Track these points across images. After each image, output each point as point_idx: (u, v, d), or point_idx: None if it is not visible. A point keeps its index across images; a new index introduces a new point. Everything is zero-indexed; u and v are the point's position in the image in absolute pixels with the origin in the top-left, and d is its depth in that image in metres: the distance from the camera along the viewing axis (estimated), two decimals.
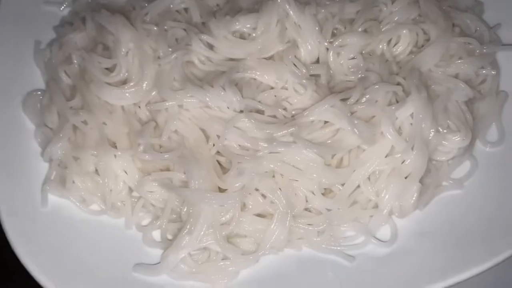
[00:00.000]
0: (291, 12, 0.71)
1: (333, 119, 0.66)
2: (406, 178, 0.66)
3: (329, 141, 0.67)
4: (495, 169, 0.70)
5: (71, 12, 0.84)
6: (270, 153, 0.65)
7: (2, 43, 0.79)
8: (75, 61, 0.75)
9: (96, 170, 0.69)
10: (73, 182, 0.68)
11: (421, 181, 0.67)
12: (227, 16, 0.73)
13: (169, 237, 0.66)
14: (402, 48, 0.74)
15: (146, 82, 0.71)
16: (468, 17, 0.78)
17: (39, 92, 0.76)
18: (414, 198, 0.66)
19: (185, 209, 0.65)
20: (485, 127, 0.73)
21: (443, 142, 0.68)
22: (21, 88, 0.76)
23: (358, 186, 0.67)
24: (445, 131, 0.68)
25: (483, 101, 0.74)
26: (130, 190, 0.69)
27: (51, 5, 0.84)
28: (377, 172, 0.67)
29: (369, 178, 0.67)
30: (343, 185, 0.67)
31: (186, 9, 0.78)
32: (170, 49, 0.71)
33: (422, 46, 0.75)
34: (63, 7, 0.84)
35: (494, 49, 0.75)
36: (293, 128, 0.65)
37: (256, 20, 0.72)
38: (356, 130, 0.65)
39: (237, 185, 0.64)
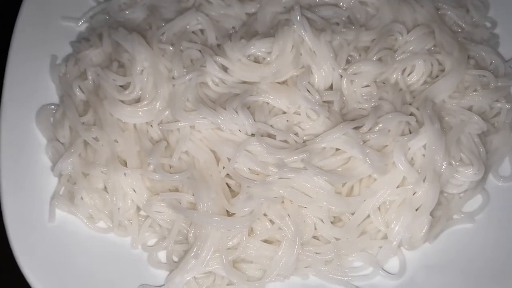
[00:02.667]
0: (306, 38, 0.72)
1: (345, 147, 0.66)
2: (417, 210, 0.65)
3: (340, 169, 0.67)
4: (507, 204, 0.69)
5: (89, 28, 0.85)
6: (280, 178, 0.65)
7: (19, 56, 0.80)
8: (90, 77, 0.75)
9: (105, 187, 0.69)
10: (82, 198, 0.68)
11: (431, 213, 0.66)
12: (243, 40, 0.73)
13: (175, 259, 0.66)
14: (416, 78, 0.74)
15: (159, 102, 0.71)
16: (484, 50, 0.78)
17: (53, 106, 0.76)
18: (424, 231, 0.65)
19: (192, 232, 0.64)
20: (498, 161, 0.72)
21: (455, 175, 0.68)
22: (35, 101, 0.77)
23: (368, 216, 0.66)
24: (457, 163, 0.68)
25: (496, 134, 0.73)
26: (138, 209, 0.69)
27: (68, 20, 0.85)
28: (387, 203, 0.66)
29: (379, 208, 0.66)
30: (352, 214, 0.66)
31: (202, 31, 0.78)
32: (184, 70, 0.72)
33: (437, 76, 0.75)
34: (80, 22, 0.85)
35: (509, 83, 0.75)
36: (304, 154, 0.65)
37: (271, 45, 0.72)
38: (368, 159, 0.65)
39: (245, 209, 0.63)
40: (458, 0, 0.84)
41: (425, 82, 0.75)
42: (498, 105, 0.74)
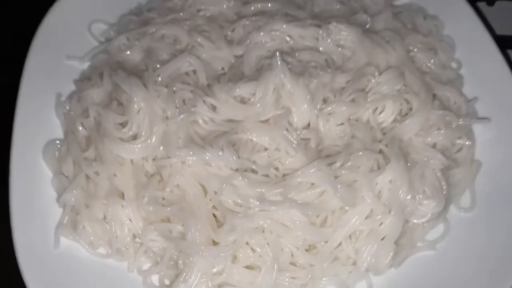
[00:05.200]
0: (286, 82, 0.79)
1: (319, 181, 0.73)
2: (383, 239, 0.73)
3: (315, 201, 0.74)
4: (466, 234, 0.77)
5: (90, 66, 0.93)
6: (261, 210, 0.72)
7: (27, 94, 0.87)
8: (91, 115, 0.83)
9: (104, 217, 0.76)
10: (83, 227, 0.75)
11: (397, 241, 0.74)
12: (229, 83, 0.81)
13: (167, 282, 0.73)
14: (386, 116, 0.82)
15: (154, 139, 0.78)
16: (448, 90, 0.85)
17: (58, 142, 0.84)
18: (389, 258, 0.72)
19: (181, 258, 0.72)
20: (459, 193, 0.80)
21: (419, 206, 0.75)
22: (43, 136, 0.84)
23: (340, 244, 0.73)
24: (421, 196, 0.75)
25: (458, 168, 0.81)
26: (134, 236, 0.76)
27: (72, 59, 0.93)
28: (357, 232, 0.74)
29: (350, 237, 0.74)
30: (326, 242, 0.73)
31: (194, 71, 0.86)
32: (177, 110, 0.80)
33: (406, 114, 0.83)
34: (83, 62, 0.93)
35: (470, 122, 0.82)
36: (281, 189, 0.72)
37: (255, 88, 0.80)
38: (338, 193, 0.72)
39: (229, 239, 0.71)
40: (427, 43, 0.92)
41: (395, 120, 0.82)
42: (460, 142, 0.82)
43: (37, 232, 0.76)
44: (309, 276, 0.72)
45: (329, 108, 0.80)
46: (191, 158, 0.75)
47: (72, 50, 0.93)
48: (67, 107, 0.86)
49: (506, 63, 0.86)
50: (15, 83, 0.87)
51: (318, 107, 0.80)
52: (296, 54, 0.85)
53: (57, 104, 0.87)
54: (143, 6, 0.99)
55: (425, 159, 0.77)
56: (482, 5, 1.10)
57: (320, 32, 0.86)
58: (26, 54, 0.90)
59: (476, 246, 0.75)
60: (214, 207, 0.74)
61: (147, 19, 0.96)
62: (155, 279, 0.74)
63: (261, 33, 0.87)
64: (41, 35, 0.92)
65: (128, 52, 0.89)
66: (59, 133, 0.86)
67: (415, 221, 0.76)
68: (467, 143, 0.81)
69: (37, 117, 0.86)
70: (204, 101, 0.79)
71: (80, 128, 0.82)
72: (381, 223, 0.73)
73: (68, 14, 0.95)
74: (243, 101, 0.81)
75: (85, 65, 0.93)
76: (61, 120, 0.86)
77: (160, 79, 0.84)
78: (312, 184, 0.74)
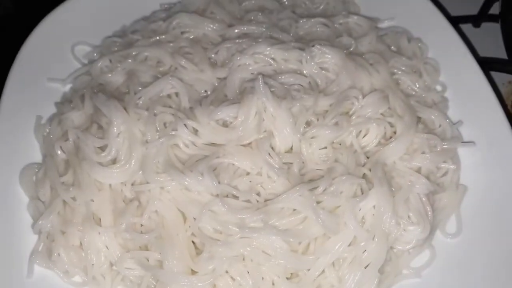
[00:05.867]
0: (268, 105, 0.78)
1: (300, 207, 0.72)
2: (366, 267, 0.71)
3: (298, 227, 0.72)
4: (452, 260, 0.75)
5: (72, 89, 0.92)
6: (241, 238, 0.70)
7: (6, 115, 0.85)
8: (71, 138, 0.81)
9: (81, 244, 0.74)
10: (59, 254, 0.73)
11: (381, 268, 0.72)
12: (211, 106, 0.80)
13: None
14: (369, 140, 0.81)
15: (133, 164, 0.77)
16: (433, 113, 0.85)
17: (35, 165, 0.82)
18: (373, 287, 0.70)
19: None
20: (445, 218, 0.78)
21: (403, 233, 0.73)
22: (20, 160, 0.82)
23: (323, 271, 0.71)
24: (405, 222, 0.74)
25: (444, 193, 0.79)
26: (111, 264, 0.74)
27: (54, 81, 0.92)
28: (340, 260, 0.72)
29: (333, 264, 0.72)
30: (309, 270, 0.71)
31: (176, 94, 0.85)
32: (157, 134, 0.78)
33: (390, 137, 0.82)
34: (65, 84, 0.92)
35: (454, 145, 0.81)
36: (262, 215, 0.71)
37: (237, 111, 0.79)
38: (320, 220, 0.70)
39: (208, 268, 0.69)
40: (411, 66, 0.91)
41: (378, 144, 0.81)
42: (445, 165, 0.81)
43: (10, 259, 0.73)
44: None
45: (312, 132, 0.79)
46: (169, 183, 0.74)
47: (54, 71, 0.92)
48: (47, 130, 0.85)
49: (490, 86, 0.85)
50: None
51: (301, 130, 0.79)
52: (280, 77, 0.84)
53: (36, 127, 0.86)
54: (128, 28, 0.99)
55: (410, 183, 0.76)
56: (466, 27, 1.11)
57: (304, 54, 0.86)
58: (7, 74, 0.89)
59: (463, 273, 0.73)
60: (193, 234, 0.72)
61: (131, 41, 0.95)
62: None
63: (245, 56, 0.86)
64: (23, 55, 0.91)
65: (110, 75, 0.89)
66: (37, 156, 0.84)
67: (399, 247, 0.74)
68: (452, 167, 0.80)
69: (16, 139, 0.84)
70: (185, 124, 0.78)
71: (59, 151, 0.81)
72: (365, 250, 0.71)
73: (51, 35, 0.94)
74: (225, 124, 0.80)
75: (67, 87, 0.92)
76: (40, 143, 0.85)
77: (141, 102, 0.83)
78: (294, 210, 0.73)
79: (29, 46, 0.93)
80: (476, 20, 1.10)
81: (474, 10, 1.12)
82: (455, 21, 1.04)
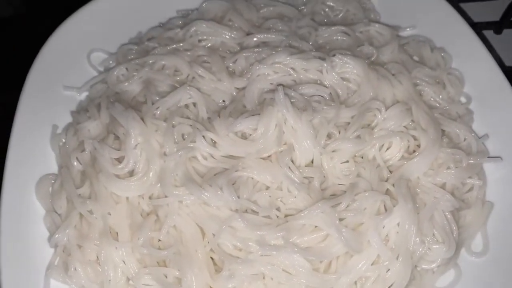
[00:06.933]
0: (288, 117, 0.76)
1: (323, 225, 0.70)
2: (390, 286, 0.69)
3: (320, 245, 0.70)
4: (479, 280, 0.72)
5: (88, 97, 0.90)
6: (262, 255, 0.68)
7: (22, 125, 0.84)
8: (87, 149, 0.80)
9: (98, 259, 0.73)
10: (75, 269, 0.72)
11: None
12: (230, 118, 0.78)
13: None
14: (393, 154, 0.78)
15: (151, 176, 0.75)
16: (458, 127, 0.82)
17: (51, 176, 0.81)
18: None
19: None
20: (470, 236, 0.76)
21: (428, 251, 0.71)
22: (36, 170, 0.81)
23: None
24: (430, 240, 0.71)
25: (469, 209, 0.77)
26: (128, 279, 0.72)
27: (70, 89, 0.91)
28: (363, 279, 0.70)
29: (355, 283, 0.70)
30: None
31: (194, 104, 0.83)
32: (175, 146, 0.76)
33: (414, 151, 0.79)
34: (81, 92, 0.90)
35: (480, 161, 0.79)
36: (283, 232, 0.69)
37: (257, 123, 0.77)
38: (343, 238, 0.68)
39: (228, 286, 0.67)
40: (435, 76, 0.89)
41: (402, 158, 0.79)
42: (471, 181, 0.78)
43: (25, 273, 0.72)
44: None
45: (333, 145, 0.77)
46: (188, 198, 0.72)
47: (70, 79, 0.91)
48: (63, 140, 0.84)
49: None
50: (10, 113, 0.85)
51: (321, 143, 0.77)
52: (300, 88, 0.82)
53: (52, 137, 0.85)
54: (144, 35, 0.97)
55: (434, 200, 0.74)
56: (489, 34, 1.08)
57: (325, 64, 0.84)
58: (23, 82, 0.88)
59: None
60: (211, 250, 0.71)
61: (147, 49, 0.94)
62: None
63: (264, 66, 0.84)
64: (40, 63, 0.90)
65: (127, 84, 0.87)
66: (53, 166, 0.83)
67: (424, 266, 0.72)
68: (477, 182, 0.78)
69: (32, 150, 0.83)
70: (203, 136, 0.76)
71: (75, 163, 0.79)
72: (388, 270, 0.69)
73: (67, 43, 0.93)
74: (244, 136, 0.78)
75: (83, 95, 0.91)
76: (56, 153, 0.84)
77: (159, 112, 0.81)
78: (316, 227, 0.71)
79: (45, 53, 0.91)
80: (498, 26, 1.07)
81: (495, 16, 1.09)
82: (478, 28, 1.01)
